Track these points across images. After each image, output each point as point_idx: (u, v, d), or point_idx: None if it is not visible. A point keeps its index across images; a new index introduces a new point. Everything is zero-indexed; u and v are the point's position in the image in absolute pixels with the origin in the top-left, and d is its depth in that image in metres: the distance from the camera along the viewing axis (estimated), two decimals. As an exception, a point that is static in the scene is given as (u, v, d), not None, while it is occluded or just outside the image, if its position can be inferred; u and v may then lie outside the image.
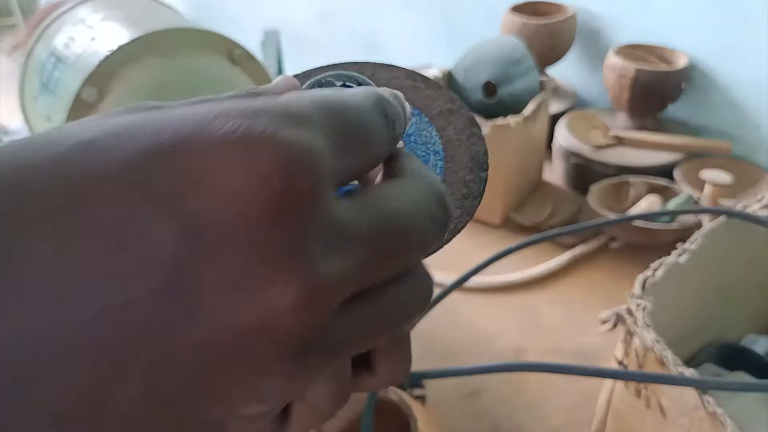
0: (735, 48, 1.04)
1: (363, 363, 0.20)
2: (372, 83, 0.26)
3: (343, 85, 0.25)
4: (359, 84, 0.26)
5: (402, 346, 0.20)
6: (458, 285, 0.67)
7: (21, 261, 0.14)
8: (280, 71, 1.67)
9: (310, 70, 0.31)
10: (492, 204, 1.00)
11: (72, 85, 0.74)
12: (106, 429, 0.14)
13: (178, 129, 0.15)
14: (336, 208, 0.16)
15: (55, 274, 0.14)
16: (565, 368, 0.50)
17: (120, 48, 0.73)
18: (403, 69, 0.26)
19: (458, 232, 0.25)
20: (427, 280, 0.19)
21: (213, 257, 0.14)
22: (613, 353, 0.82)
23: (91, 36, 0.78)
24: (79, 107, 0.73)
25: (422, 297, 0.19)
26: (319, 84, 0.25)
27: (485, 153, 0.27)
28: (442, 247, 0.22)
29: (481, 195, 0.26)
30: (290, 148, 0.15)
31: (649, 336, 0.53)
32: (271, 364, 0.15)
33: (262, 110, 0.16)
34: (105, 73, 0.73)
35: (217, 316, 0.14)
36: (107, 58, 0.72)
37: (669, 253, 0.94)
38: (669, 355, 0.51)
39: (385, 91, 0.20)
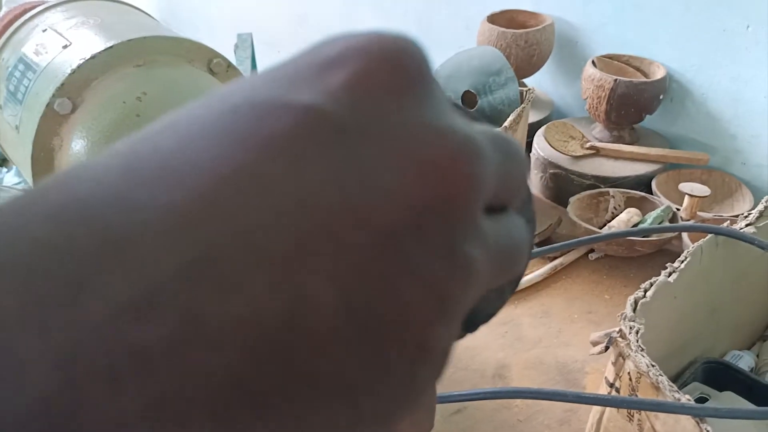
0: (712, 59, 1.04)
1: None
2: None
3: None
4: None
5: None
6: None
7: None
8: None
9: None
10: (472, 215, 0.99)
11: (43, 95, 0.71)
12: (320, 352, 0.13)
13: None
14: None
15: None
16: (561, 395, 0.49)
17: (93, 57, 0.70)
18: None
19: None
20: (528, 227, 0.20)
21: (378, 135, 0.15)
22: (595, 367, 0.81)
23: (63, 43, 0.75)
24: (51, 118, 0.70)
25: (528, 237, 0.20)
26: None
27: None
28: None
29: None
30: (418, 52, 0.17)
31: (644, 360, 0.52)
32: (442, 242, 0.15)
33: None
34: (78, 83, 0.70)
35: (386, 188, 0.14)
36: (80, 67, 0.70)
37: (646, 264, 0.95)
38: (665, 381, 0.50)
39: None
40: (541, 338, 0.84)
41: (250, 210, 0.13)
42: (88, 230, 0.12)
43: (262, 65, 1.70)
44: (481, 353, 0.81)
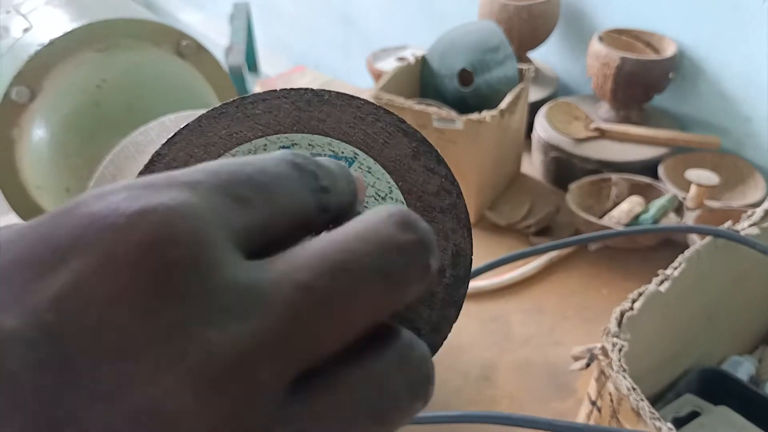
0: (726, 36, 0.98)
1: None
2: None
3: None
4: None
5: None
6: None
7: None
8: (249, 45, 1.59)
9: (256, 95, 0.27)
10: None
11: (1, 83, 0.67)
12: None
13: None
14: (237, 268, 0.14)
15: None
16: (532, 422, 0.45)
17: (52, 42, 0.66)
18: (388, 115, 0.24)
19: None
20: (417, 352, 0.16)
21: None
22: (589, 368, 0.77)
23: (25, 26, 0.71)
24: (9, 108, 0.66)
25: (410, 378, 0.15)
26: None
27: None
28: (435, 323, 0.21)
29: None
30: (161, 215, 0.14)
31: (625, 383, 0.48)
32: None
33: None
34: (36, 70, 0.66)
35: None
36: (38, 53, 0.65)
37: (651, 257, 0.90)
38: (645, 407, 0.46)
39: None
40: (532, 337, 0.80)
41: None
42: None
43: (260, 33, 1.64)
44: (467, 352, 0.77)
